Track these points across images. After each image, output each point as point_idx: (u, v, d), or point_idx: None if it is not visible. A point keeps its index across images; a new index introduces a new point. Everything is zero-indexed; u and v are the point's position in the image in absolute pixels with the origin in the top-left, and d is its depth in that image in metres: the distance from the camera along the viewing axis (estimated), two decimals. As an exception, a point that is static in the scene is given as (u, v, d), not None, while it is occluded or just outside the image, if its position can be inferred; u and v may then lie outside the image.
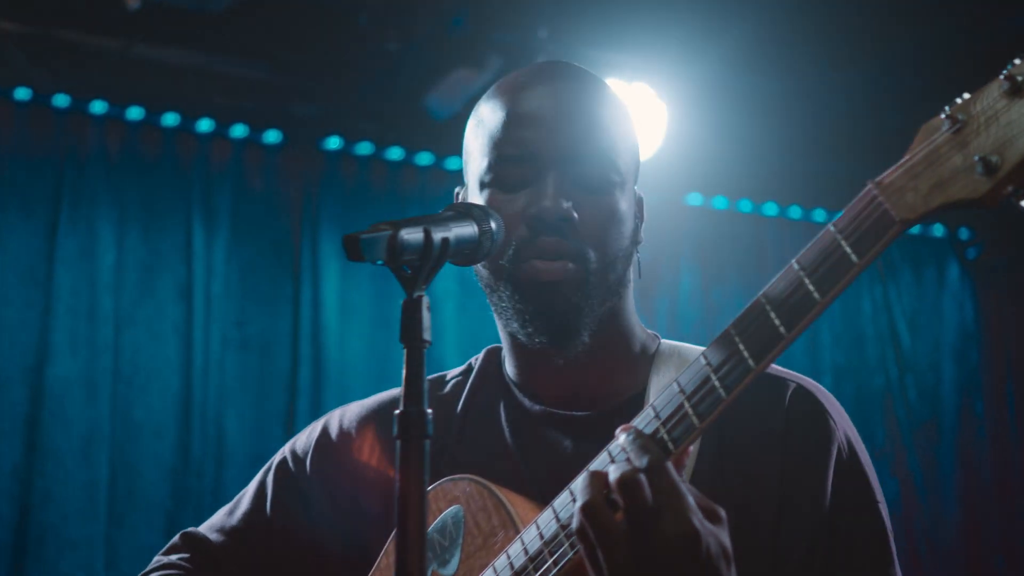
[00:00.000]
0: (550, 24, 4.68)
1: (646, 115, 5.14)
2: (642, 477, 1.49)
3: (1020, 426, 6.76)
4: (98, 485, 5.11)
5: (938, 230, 6.73)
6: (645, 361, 1.98)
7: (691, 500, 1.50)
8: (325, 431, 2.16)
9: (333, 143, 5.57)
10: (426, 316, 1.51)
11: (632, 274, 1.96)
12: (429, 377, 2.12)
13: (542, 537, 1.67)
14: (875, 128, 5.74)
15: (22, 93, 5.13)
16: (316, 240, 5.62)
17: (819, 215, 6.47)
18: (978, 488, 6.63)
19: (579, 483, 1.56)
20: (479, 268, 1.92)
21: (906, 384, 6.62)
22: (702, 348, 1.92)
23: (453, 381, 2.12)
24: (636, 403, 1.88)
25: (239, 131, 5.43)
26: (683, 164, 5.64)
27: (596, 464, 1.61)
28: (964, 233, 6.79)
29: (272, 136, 5.49)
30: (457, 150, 6.28)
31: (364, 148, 5.61)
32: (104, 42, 5.12)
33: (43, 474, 5.03)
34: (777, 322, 1.48)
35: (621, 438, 1.57)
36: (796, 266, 1.48)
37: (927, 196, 1.40)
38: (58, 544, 4.98)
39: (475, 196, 1.92)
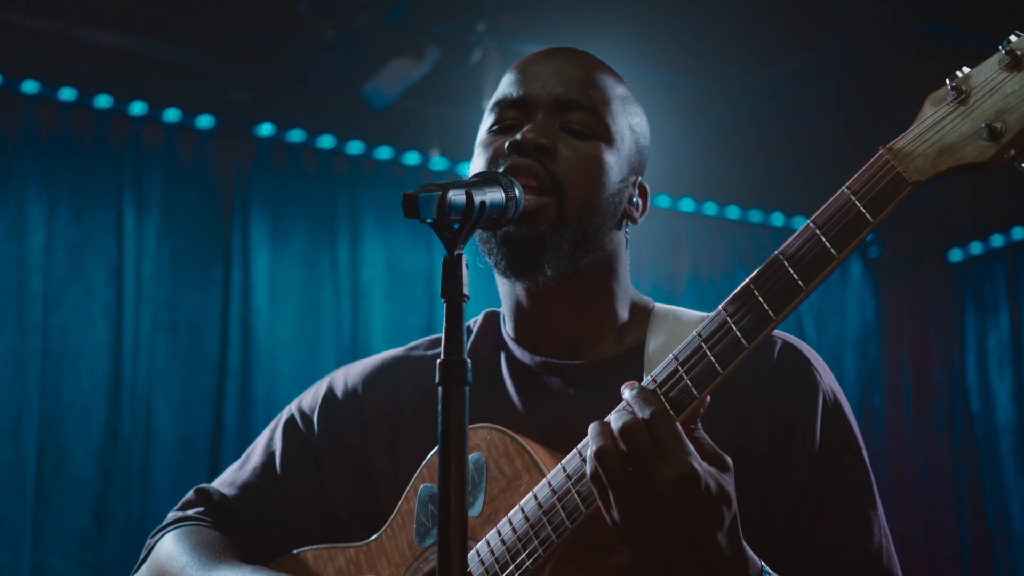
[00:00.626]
0: (488, 18, 4.79)
1: None
2: (643, 425, 1.60)
3: (915, 420, 7.03)
4: (26, 464, 5.12)
5: None
6: (641, 318, 2.07)
7: (691, 446, 1.60)
8: (331, 389, 2.22)
9: (265, 129, 5.62)
10: (465, 273, 1.58)
11: (622, 238, 2.04)
12: (424, 338, 2.24)
13: (569, 478, 1.75)
14: (760, 128, 6.02)
15: None
16: (247, 225, 5.66)
17: (734, 212, 6.74)
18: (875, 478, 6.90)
19: (591, 432, 1.65)
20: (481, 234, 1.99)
21: None
22: (696, 312, 2.07)
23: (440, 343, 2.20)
24: (635, 354, 1.98)
25: (172, 115, 5.46)
26: None
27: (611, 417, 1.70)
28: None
29: (205, 121, 5.53)
30: (389, 140, 6.20)
31: (296, 135, 5.67)
32: (40, 23, 5.11)
33: None
34: (796, 276, 1.58)
35: (626, 392, 1.67)
36: (812, 225, 1.59)
37: (936, 160, 1.53)
38: None
39: (477, 151, 2.02)
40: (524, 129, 1.94)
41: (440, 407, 1.54)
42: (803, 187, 6.55)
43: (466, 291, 1.57)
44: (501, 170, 1.87)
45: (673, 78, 5.56)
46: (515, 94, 2.01)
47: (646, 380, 1.68)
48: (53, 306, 5.29)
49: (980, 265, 7.05)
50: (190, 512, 2.24)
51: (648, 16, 4.88)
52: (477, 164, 2.01)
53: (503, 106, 2.01)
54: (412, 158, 5.85)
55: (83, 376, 5.29)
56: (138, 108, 5.40)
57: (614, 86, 2.06)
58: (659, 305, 2.12)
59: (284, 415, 2.27)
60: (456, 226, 1.62)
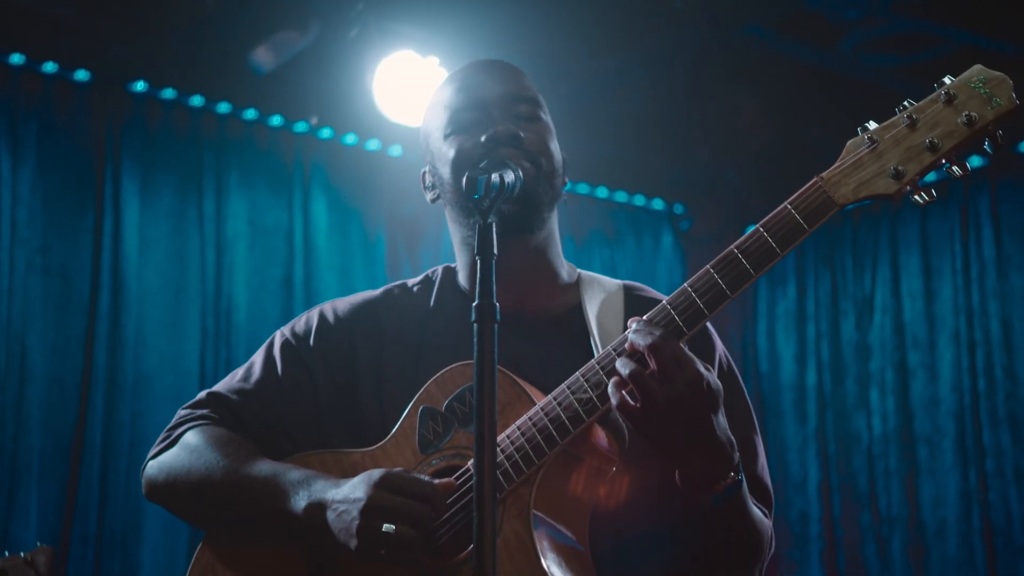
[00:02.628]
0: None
1: (433, 84, 5.76)
2: (663, 342, 2.07)
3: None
4: None
5: (658, 204, 7.56)
6: (574, 281, 2.55)
7: (697, 360, 2.09)
8: (323, 317, 2.58)
9: (139, 86, 5.81)
10: (494, 236, 2.00)
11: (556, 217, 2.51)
12: (393, 284, 2.65)
13: (559, 405, 2.20)
14: (596, 111, 6.57)
15: None
16: (118, 176, 5.80)
17: (582, 188, 7.25)
18: None
19: (619, 363, 2.11)
20: (453, 207, 2.45)
21: None
22: (612, 279, 2.56)
23: (417, 287, 2.61)
24: (577, 312, 2.46)
25: (49, 67, 5.59)
26: None
27: (615, 343, 2.18)
28: (679, 208, 7.65)
29: (81, 75, 5.67)
30: (258, 103, 6.43)
31: (168, 93, 5.87)
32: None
33: None
34: (747, 265, 2.14)
35: (634, 325, 2.13)
36: (761, 229, 2.13)
37: (856, 190, 2.11)
38: None
39: (442, 151, 2.45)
40: (496, 125, 2.39)
41: (476, 338, 1.93)
42: (629, 164, 7.18)
43: (496, 251, 1.99)
44: (483, 164, 2.30)
45: (526, 61, 6.04)
46: (470, 102, 2.45)
47: (663, 310, 2.17)
48: None
49: (772, 242, 7.78)
50: (204, 411, 2.53)
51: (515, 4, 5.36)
52: (446, 157, 2.45)
53: (459, 111, 2.45)
54: (276, 120, 6.15)
55: None
56: (16, 59, 5.50)
57: (531, 82, 2.55)
58: (583, 271, 2.61)
59: (278, 338, 2.60)
60: (485, 204, 2.05)
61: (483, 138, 2.40)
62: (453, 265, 2.62)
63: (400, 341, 2.50)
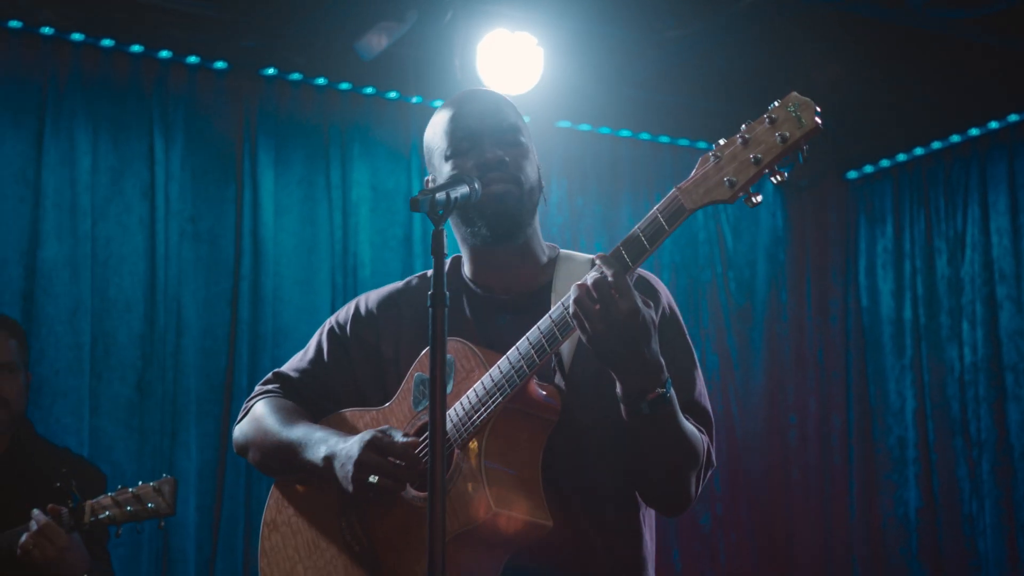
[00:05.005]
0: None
1: (528, 57, 6.26)
2: (605, 279, 2.48)
3: (814, 314, 8.01)
4: (82, 348, 5.86)
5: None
6: (550, 264, 2.99)
7: (634, 290, 2.49)
8: (357, 309, 3.13)
9: (270, 71, 6.46)
10: (444, 242, 2.43)
11: (539, 208, 3.00)
12: (414, 275, 3.22)
13: (507, 367, 2.65)
14: (704, 70, 7.03)
15: (13, 23, 5.88)
16: (255, 151, 6.41)
17: (664, 139, 7.73)
18: (779, 361, 7.88)
19: (572, 289, 2.52)
20: (455, 212, 2.85)
21: (728, 277, 7.79)
22: (586, 254, 3.04)
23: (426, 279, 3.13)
24: (546, 290, 2.91)
25: (192, 60, 6.30)
26: (556, 96, 6.66)
27: (557, 305, 2.62)
28: None
29: (220, 64, 6.36)
30: (375, 81, 6.96)
31: (295, 76, 6.52)
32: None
33: (38, 337, 5.73)
34: (644, 241, 2.53)
35: (596, 263, 2.52)
36: (638, 228, 2.52)
37: (702, 197, 2.51)
38: (52, 393, 5.75)
39: (444, 170, 2.93)
40: (486, 152, 2.89)
41: (430, 320, 2.38)
42: (727, 119, 7.54)
43: (445, 252, 2.44)
44: (476, 181, 2.77)
45: (614, 30, 6.53)
46: (465, 133, 2.90)
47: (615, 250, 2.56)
48: (99, 219, 6.02)
49: (871, 183, 8.03)
50: (269, 387, 3.18)
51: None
52: (443, 172, 2.91)
53: (457, 138, 2.91)
54: (392, 95, 6.79)
55: (125, 277, 6.05)
56: (165, 54, 6.21)
57: (516, 112, 2.98)
58: (562, 251, 3.02)
59: (327, 325, 3.16)
60: (440, 212, 2.50)
61: (480, 161, 2.89)
62: (460, 255, 3.14)
63: (413, 326, 3.01)
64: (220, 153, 6.43)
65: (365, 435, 2.79)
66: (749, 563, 7.67)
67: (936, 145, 7.64)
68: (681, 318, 3.01)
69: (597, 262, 2.56)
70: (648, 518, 2.99)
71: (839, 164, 8.08)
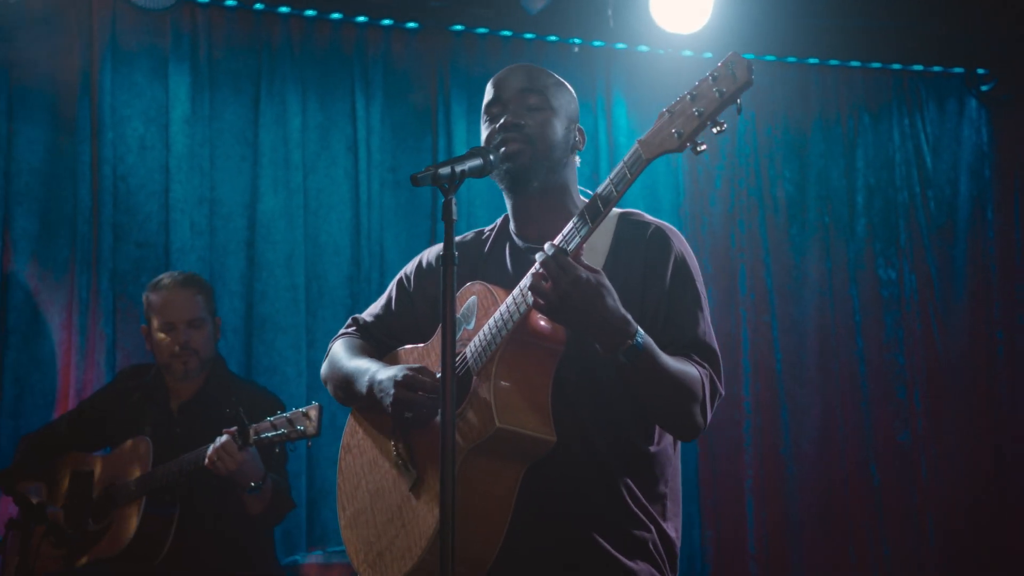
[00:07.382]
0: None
1: None
2: (552, 259, 2.77)
3: (1022, 226, 7.83)
4: (298, 288, 6.46)
5: (958, 69, 7.82)
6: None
7: (577, 265, 2.75)
8: (420, 262, 3.49)
9: (458, 27, 6.93)
10: (455, 209, 2.74)
11: (573, 163, 3.25)
12: (473, 231, 3.59)
13: (513, 302, 2.93)
14: None
15: (229, 2, 6.57)
16: (448, 104, 6.89)
17: (875, 64, 7.71)
18: (985, 278, 7.78)
19: (528, 274, 2.84)
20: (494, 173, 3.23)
21: (928, 197, 7.73)
22: (616, 209, 3.28)
23: (486, 232, 3.45)
24: None
25: (387, 22, 6.83)
26: (734, 31, 6.84)
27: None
28: (981, 71, 7.85)
29: (412, 25, 6.86)
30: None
31: (481, 30, 6.95)
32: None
33: (260, 280, 6.40)
34: (613, 188, 2.78)
35: (546, 246, 2.80)
36: (607, 180, 2.77)
37: (657, 147, 2.71)
38: (274, 329, 6.39)
39: (482, 133, 3.25)
40: (506, 116, 3.23)
41: (442, 276, 2.71)
42: (930, 36, 7.50)
43: (456, 217, 2.73)
44: (497, 141, 3.17)
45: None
46: (494, 95, 3.25)
47: (558, 238, 2.86)
48: (310, 172, 6.62)
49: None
50: (350, 330, 3.58)
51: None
52: (483, 137, 3.24)
53: (489, 105, 3.26)
54: (576, 40, 7.14)
55: (333, 224, 6.64)
56: (361, 19, 6.77)
57: (549, 77, 3.28)
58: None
59: (397, 278, 3.53)
60: (446, 185, 2.78)
61: (497, 126, 3.21)
62: (507, 214, 3.41)
63: (462, 275, 3.18)
64: (416, 107, 6.91)
65: (398, 374, 3.13)
66: (950, 479, 7.71)
67: None
68: (693, 265, 3.24)
69: (546, 246, 2.85)
70: (667, 447, 3.22)
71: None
